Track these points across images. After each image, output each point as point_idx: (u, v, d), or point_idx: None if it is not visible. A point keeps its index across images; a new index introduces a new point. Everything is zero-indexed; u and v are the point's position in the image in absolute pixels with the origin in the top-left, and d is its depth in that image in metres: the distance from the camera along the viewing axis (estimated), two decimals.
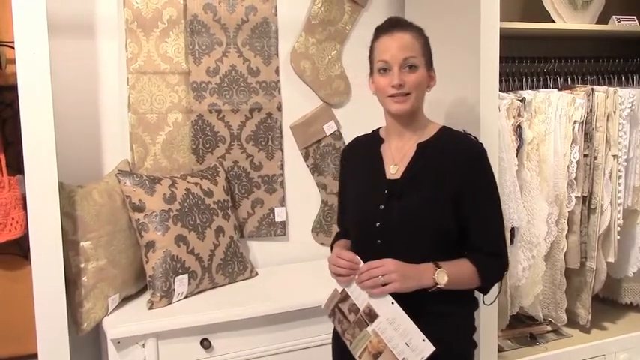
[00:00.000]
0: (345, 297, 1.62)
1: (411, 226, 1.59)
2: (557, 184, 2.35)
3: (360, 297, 1.57)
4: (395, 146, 1.69)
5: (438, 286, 1.53)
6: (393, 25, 1.66)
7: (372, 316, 1.54)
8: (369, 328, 1.55)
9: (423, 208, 1.58)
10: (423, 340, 1.47)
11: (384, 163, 1.69)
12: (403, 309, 1.51)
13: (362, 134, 1.84)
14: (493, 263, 1.63)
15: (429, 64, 1.67)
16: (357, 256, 1.59)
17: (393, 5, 2.60)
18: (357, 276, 1.57)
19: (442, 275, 1.53)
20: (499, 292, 1.76)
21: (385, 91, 1.62)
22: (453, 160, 1.60)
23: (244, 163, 2.41)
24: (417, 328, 1.49)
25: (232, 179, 2.40)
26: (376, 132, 1.80)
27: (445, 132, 1.69)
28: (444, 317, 1.58)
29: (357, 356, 1.58)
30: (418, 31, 1.66)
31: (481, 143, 1.68)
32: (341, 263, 1.59)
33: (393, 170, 1.66)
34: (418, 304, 1.52)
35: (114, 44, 2.24)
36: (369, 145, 1.76)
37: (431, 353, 1.46)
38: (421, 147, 1.65)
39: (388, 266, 1.52)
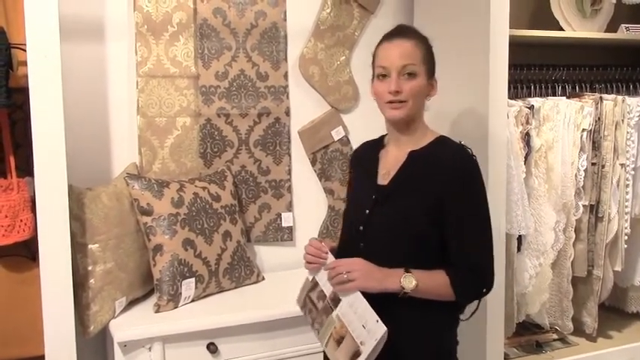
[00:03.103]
0: (314, 285, 1.67)
1: (390, 233, 1.60)
2: (565, 192, 2.34)
3: (327, 284, 1.61)
4: (391, 153, 1.71)
5: (405, 291, 1.52)
6: (396, 32, 1.66)
7: (336, 301, 1.58)
8: (334, 314, 1.57)
9: (402, 216, 1.59)
10: (377, 321, 1.47)
11: (378, 168, 1.71)
12: (375, 309, 1.51)
13: (371, 139, 1.85)
14: (470, 279, 1.58)
15: (431, 73, 1.66)
16: (325, 246, 1.65)
17: (402, 12, 2.61)
18: (325, 265, 1.62)
19: (409, 280, 1.52)
20: (476, 309, 1.70)
21: (383, 97, 1.63)
22: (438, 170, 1.59)
23: (252, 167, 2.42)
24: (372, 309, 1.50)
25: (240, 184, 2.40)
26: (382, 137, 1.81)
27: (440, 142, 1.67)
28: (415, 324, 1.58)
29: (323, 345, 1.61)
30: (421, 40, 1.65)
31: (473, 156, 1.64)
32: (309, 250, 1.65)
33: (384, 176, 1.68)
34: (387, 308, 1.52)
35: (124, 47, 2.24)
36: (372, 149, 1.78)
37: (383, 335, 1.45)
38: (412, 155, 1.65)
39: (354, 264, 1.55)
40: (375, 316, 1.48)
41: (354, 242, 1.65)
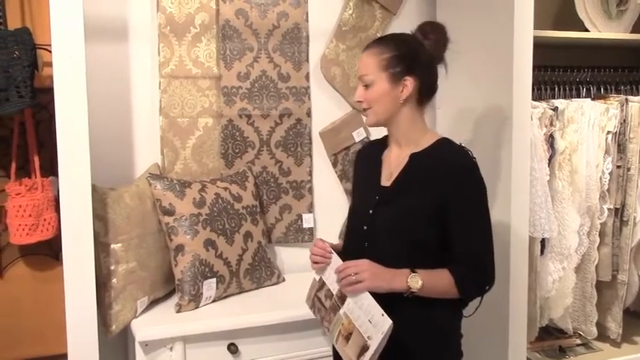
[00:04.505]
0: (321, 285, 1.71)
1: (392, 233, 1.64)
2: (590, 195, 2.32)
3: (333, 283, 1.64)
4: (394, 154, 1.75)
5: (412, 290, 1.56)
6: (369, 43, 1.74)
7: (342, 299, 1.61)
8: (341, 311, 1.61)
9: (403, 217, 1.63)
10: (382, 315, 1.50)
11: (381, 169, 1.75)
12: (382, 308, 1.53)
13: (375, 138, 1.88)
14: (472, 276, 1.62)
15: (397, 76, 1.65)
16: (328, 246, 1.69)
17: (424, 12, 2.59)
18: (331, 265, 1.65)
19: (416, 280, 1.56)
20: (479, 305, 1.72)
21: None
22: (438, 172, 1.62)
23: (273, 168, 2.42)
24: (377, 304, 1.52)
25: (261, 184, 2.40)
26: (386, 137, 1.83)
27: (441, 144, 1.70)
28: (421, 321, 1.61)
29: (334, 341, 1.64)
30: (384, 46, 1.67)
31: (473, 157, 1.66)
32: (314, 251, 1.70)
33: (387, 177, 1.72)
34: (394, 307, 1.54)
35: (146, 48, 2.25)
36: (376, 150, 1.82)
37: (389, 328, 1.48)
38: (413, 157, 1.68)
39: (362, 266, 1.58)
40: (381, 311, 1.51)
41: (360, 241, 1.70)
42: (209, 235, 2.08)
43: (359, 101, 1.71)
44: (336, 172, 2.54)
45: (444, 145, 1.69)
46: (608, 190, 2.36)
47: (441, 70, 1.72)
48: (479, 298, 1.70)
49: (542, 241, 2.26)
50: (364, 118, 1.75)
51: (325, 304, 1.69)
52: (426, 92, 1.70)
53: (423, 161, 1.66)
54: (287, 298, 2.16)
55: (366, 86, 1.68)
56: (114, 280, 1.93)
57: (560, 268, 2.29)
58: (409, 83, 1.65)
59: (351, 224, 1.82)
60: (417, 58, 1.66)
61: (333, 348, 1.75)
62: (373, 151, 1.83)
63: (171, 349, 1.90)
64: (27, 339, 2.08)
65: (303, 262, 2.47)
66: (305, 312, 1.99)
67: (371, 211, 1.69)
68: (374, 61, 1.66)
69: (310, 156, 2.48)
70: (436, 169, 1.62)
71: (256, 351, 1.99)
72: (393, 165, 1.73)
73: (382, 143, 1.81)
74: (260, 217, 2.32)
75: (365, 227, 1.69)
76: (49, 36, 1.74)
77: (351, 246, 1.75)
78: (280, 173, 2.43)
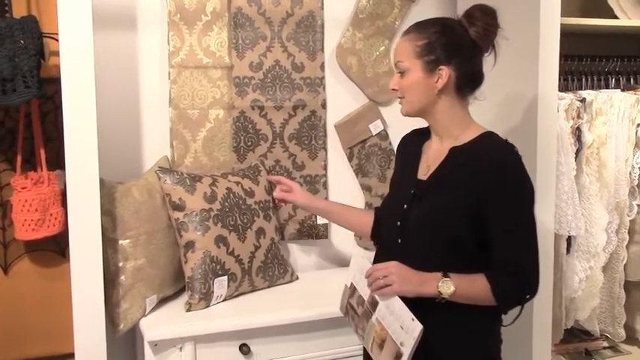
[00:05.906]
0: (352, 291, 1.67)
1: (425, 231, 1.57)
2: (619, 191, 2.28)
3: (364, 288, 1.60)
4: (434, 147, 1.67)
5: (443, 296, 1.49)
6: (406, 29, 1.67)
7: (374, 305, 1.56)
8: (373, 318, 1.56)
9: (438, 214, 1.55)
10: (412, 319, 1.44)
11: (420, 162, 1.68)
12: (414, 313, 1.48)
13: (421, 127, 1.77)
14: (511, 284, 1.52)
15: (432, 65, 1.56)
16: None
17: None
18: (360, 270, 1.62)
19: (448, 285, 1.48)
20: (519, 314, 1.63)
21: None
22: (476, 168, 1.52)
23: (286, 162, 2.36)
24: (407, 308, 1.47)
25: None
26: (429, 127, 1.75)
27: (483, 138, 1.59)
28: (456, 328, 1.55)
29: (369, 350, 1.59)
30: (420, 32, 1.59)
31: (517, 155, 1.55)
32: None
33: (424, 171, 1.65)
34: (427, 312, 1.48)
35: (156, 37, 2.20)
36: (418, 140, 1.74)
37: (419, 332, 1.42)
38: (453, 151, 1.59)
39: (390, 268, 1.53)
40: (411, 315, 1.45)
41: (393, 237, 1.63)
42: (220, 231, 2.03)
43: (394, 89, 1.63)
44: (351, 166, 2.47)
45: (485, 139, 1.59)
46: (638, 185, 2.32)
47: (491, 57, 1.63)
48: (518, 307, 1.60)
49: (569, 239, 2.22)
50: (401, 107, 1.66)
51: (358, 311, 1.64)
52: (466, 83, 1.59)
53: (462, 156, 1.56)
54: (301, 297, 2.12)
55: (401, 73, 1.60)
56: (122, 278, 1.89)
57: (587, 267, 2.25)
58: (444, 73, 1.56)
59: (383, 218, 1.75)
60: (457, 45, 1.57)
61: (364, 350, 1.70)
62: (415, 141, 1.75)
63: (181, 349, 1.86)
64: (32, 338, 2.06)
65: (317, 260, 2.46)
66: (319, 312, 1.98)
67: (405, 206, 1.61)
68: (409, 48, 1.58)
69: (325, 149, 2.42)
70: (474, 165, 1.52)
71: (269, 352, 1.95)
72: (431, 158, 1.64)
73: (425, 134, 1.73)
74: (273, 212, 2.26)
75: (398, 223, 1.62)
76: (56, 24, 1.70)
77: (384, 242, 1.69)
78: (294, 167, 2.37)
